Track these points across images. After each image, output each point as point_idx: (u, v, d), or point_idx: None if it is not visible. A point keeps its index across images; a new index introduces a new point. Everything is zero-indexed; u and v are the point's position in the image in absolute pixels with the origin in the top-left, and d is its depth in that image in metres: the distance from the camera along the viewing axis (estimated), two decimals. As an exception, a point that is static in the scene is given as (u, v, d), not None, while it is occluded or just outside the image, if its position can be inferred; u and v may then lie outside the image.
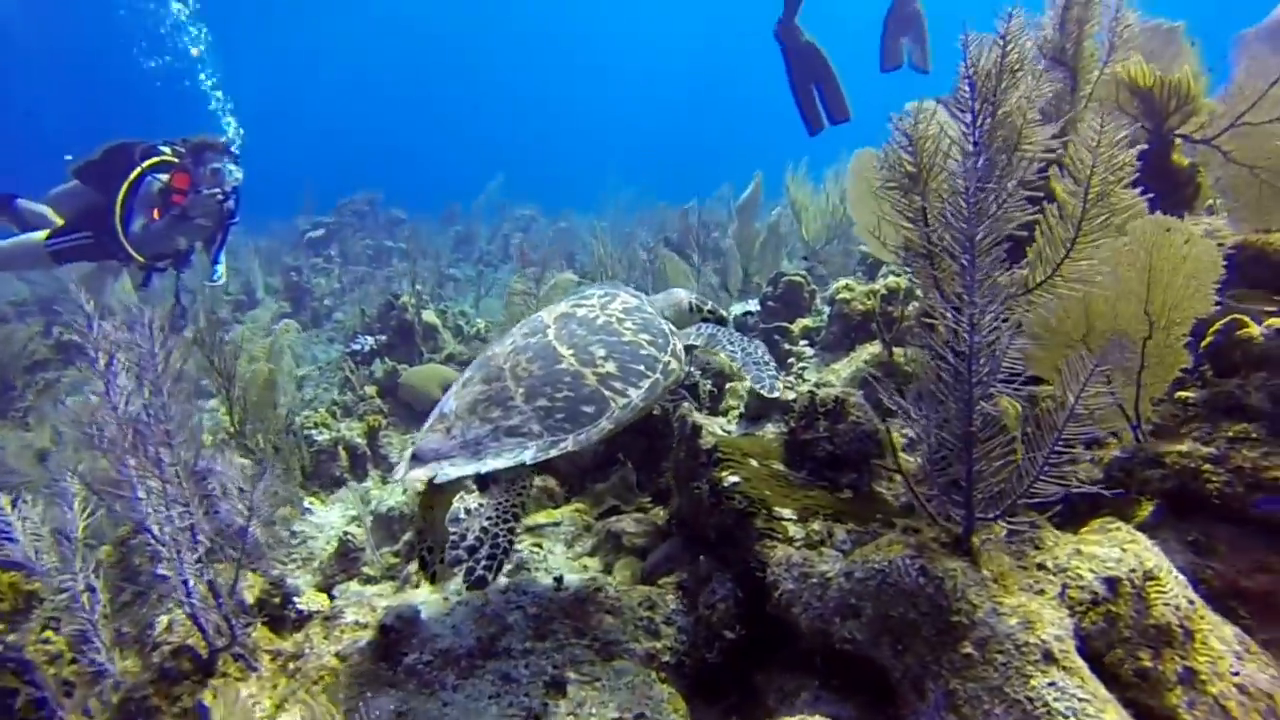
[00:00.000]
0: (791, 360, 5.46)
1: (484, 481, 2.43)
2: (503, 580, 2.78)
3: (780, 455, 2.74)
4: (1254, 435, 2.37)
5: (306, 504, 5.09)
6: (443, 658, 2.43)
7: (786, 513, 2.45)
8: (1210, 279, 2.68)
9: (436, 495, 2.56)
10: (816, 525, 2.42)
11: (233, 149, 6.22)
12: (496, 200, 15.26)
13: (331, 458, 5.90)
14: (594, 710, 2.19)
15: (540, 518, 3.45)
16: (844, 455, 2.63)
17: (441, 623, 2.58)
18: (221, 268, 6.80)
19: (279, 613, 3.10)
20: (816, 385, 3.69)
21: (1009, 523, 2.01)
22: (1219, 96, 3.65)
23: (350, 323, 9.66)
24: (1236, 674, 1.96)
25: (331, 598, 3.85)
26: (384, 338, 8.51)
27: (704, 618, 2.39)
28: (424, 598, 2.79)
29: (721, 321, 2.97)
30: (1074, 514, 2.75)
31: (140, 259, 5.82)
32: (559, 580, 2.66)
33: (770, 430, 2.91)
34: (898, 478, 2.51)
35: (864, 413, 2.66)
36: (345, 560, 4.09)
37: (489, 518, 2.30)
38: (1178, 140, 3.67)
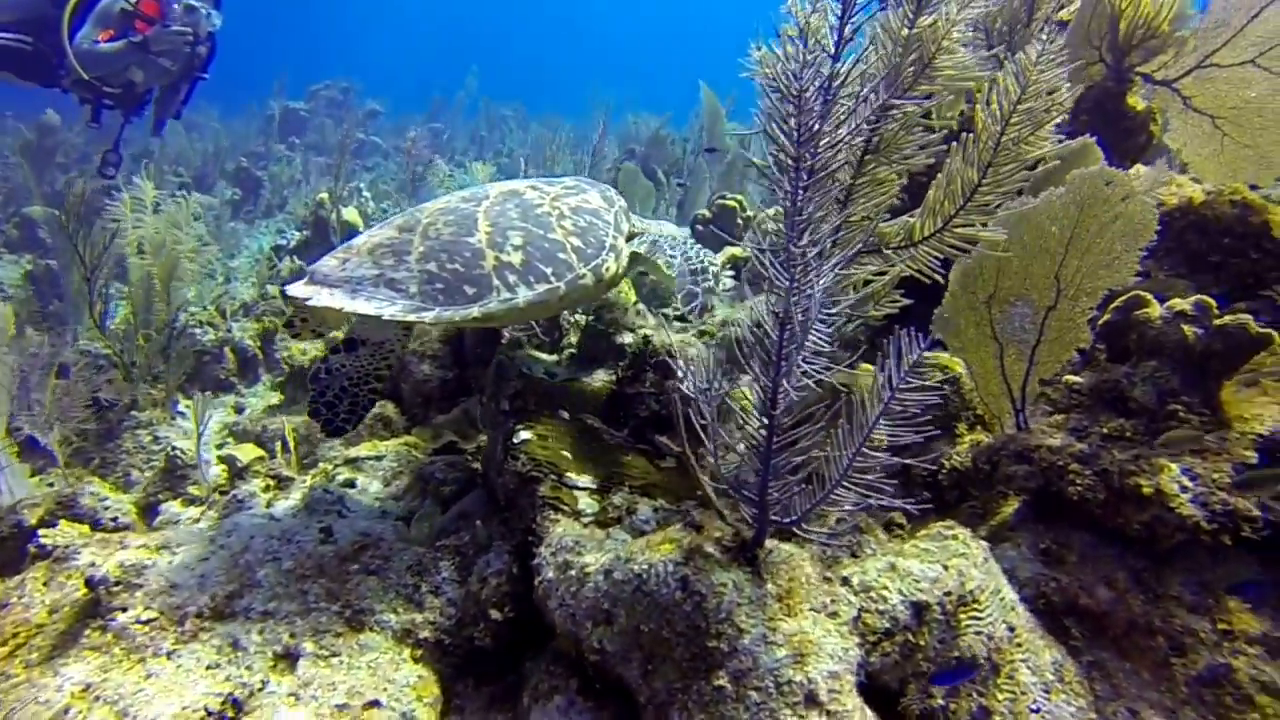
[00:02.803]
0: (701, 292, 5.01)
1: (352, 342, 2.50)
2: (280, 524, 2.41)
3: (600, 409, 2.34)
4: (1129, 434, 2.03)
5: (181, 408, 4.64)
6: (168, 616, 2.07)
7: (583, 480, 2.07)
8: (1140, 243, 2.28)
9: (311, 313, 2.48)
10: (618, 499, 2.05)
11: None
12: (475, 95, 14.35)
13: (216, 359, 5.39)
14: (318, 693, 1.86)
15: (364, 449, 3.05)
16: (671, 417, 2.24)
17: (189, 570, 2.21)
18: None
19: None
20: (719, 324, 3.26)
21: (808, 531, 1.65)
22: (1194, 30, 3.12)
23: (301, 214, 8.89)
24: (1036, 710, 1.69)
25: (154, 517, 3.48)
26: (307, 234, 7.79)
27: (474, 592, 2.05)
28: (195, 534, 2.41)
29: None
30: (941, 503, 2.44)
31: (84, 74, 5.06)
32: (326, 531, 2.29)
33: (601, 377, 2.49)
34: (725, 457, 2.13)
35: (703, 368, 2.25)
36: (172, 477, 3.69)
37: (350, 378, 2.47)
38: (1136, 78, 3.16)
